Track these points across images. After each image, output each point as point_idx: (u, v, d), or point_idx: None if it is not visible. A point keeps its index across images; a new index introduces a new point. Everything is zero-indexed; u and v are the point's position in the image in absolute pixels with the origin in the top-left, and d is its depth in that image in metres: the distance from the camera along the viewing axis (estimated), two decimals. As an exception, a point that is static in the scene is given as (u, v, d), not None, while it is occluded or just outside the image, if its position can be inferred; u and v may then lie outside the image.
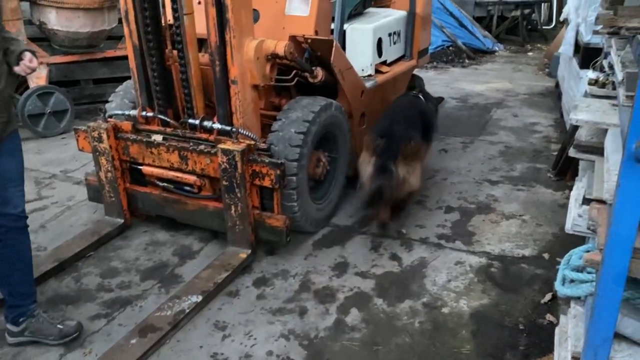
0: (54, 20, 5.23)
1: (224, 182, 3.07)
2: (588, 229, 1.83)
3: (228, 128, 3.12)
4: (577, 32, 5.25)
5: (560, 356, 1.99)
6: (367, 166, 3.40)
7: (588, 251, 1.99)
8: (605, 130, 2.23)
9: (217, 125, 3.16)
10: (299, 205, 3.25)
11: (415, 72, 4.95)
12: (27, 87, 5.25)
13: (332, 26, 3.79)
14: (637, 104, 1.28)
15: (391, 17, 4.34)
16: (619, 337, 1.64)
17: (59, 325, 2.58)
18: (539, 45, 10.26)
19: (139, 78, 3.36)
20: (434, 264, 3.20)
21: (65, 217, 3.80)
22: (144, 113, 3.39)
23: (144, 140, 3.31)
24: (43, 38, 5.49)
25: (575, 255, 2.07)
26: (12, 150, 2.44)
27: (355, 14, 4.25)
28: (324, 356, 2.51)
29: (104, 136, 3.31)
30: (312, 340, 2.61)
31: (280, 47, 3.10)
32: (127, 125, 3.38)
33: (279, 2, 3.64)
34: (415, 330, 2.66)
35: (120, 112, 3.51)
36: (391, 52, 4.35)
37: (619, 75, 1.75)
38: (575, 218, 2.35)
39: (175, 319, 2.66)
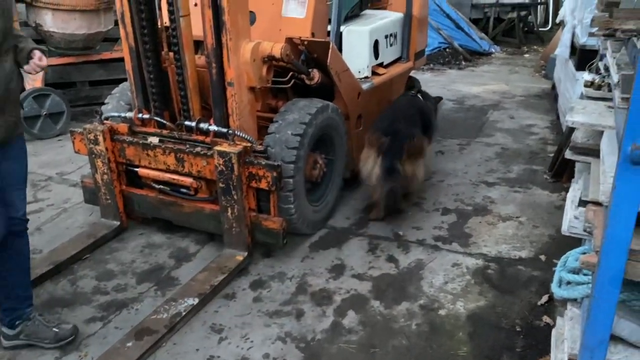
0: (50, 22, 5.23)
1: (221, 184, 3.07)
2: (584, 230, 1.84)
3: (224, 130, 3.11)
4: (573, 34, 5.28)
5: (556, 358, 1.99)
6: (372, 165, 3.49)
7: (584, 253, 1.99)
8: (601, 132, 2.24)
9: (213, 128, 3.16)
10: (295, 207, 3.25)
11: (412, 74, 4.96)
12: (23, 89, 5.22)
13: (329, 28, 3.80)
14: (632, 106, 1.28)
15: (388, 19, 4.35)
16: (615, 339, 1.64)
17: (54, 329, 2.57)
18: (535, 47, 10.30)
19: (135, 80, 3.36)
20: (431, 266, 3.20)
21: (61, 220, 3.79)
22: (140, 115, 3.39)
23: (140, 142, 3.30)
24: (39, 40, 5.46)
25: (572, 257, 2.07)
26: (20, 153, 2.44)
27: (351, 15, 4.26)
28: (321, 359, 2.51)
29: (100, 138, 3.31)
30: (309, 342, 2.61)
31: (277, 49, 3.10)
32: (123, 127, 3.38)
33: (275, 4, 3.64)
34: (412, 333, 2.66)
35: (116, 114, 3.50)
36: (388, 54, 4.35)
37: (615, 77, 1.76)
38: (572, 220, 2.36)
39: (172, 322, 2.65)
